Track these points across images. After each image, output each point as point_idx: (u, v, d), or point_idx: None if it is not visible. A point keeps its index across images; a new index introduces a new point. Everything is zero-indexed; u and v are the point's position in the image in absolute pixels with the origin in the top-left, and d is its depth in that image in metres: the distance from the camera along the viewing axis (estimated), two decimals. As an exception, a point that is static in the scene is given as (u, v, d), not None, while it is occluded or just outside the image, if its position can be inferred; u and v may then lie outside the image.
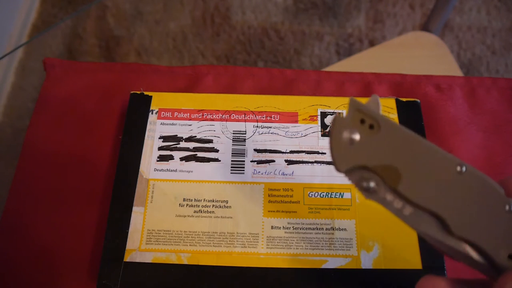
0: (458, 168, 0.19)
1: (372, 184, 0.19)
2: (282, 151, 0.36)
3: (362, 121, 0.19)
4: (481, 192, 0.19)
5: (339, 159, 0.19)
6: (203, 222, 0.33)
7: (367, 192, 0.19)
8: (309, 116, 0.37)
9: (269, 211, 0.34)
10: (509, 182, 0.19)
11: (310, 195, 0.34)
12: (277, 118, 0.37)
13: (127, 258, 0.32)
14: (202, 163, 0.35)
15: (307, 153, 0.36)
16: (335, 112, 0.37)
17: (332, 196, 0.34)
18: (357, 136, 0.19)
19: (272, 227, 0.33)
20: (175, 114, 0.37)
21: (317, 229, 0.33)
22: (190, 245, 0.32)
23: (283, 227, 0.33)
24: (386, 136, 0.19)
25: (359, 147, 0.19)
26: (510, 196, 0.19)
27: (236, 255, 0.32)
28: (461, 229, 0.19)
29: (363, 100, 0.37)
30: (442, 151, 0.19)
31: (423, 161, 0.19)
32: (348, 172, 0.19)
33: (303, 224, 0.33)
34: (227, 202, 0.34)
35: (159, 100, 0.38)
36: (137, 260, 0.32)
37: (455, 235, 0.19)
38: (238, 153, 0.36)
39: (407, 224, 0.19)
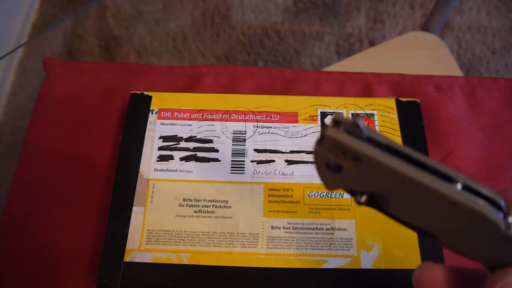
0: (452, 200, 0.17)
1: (363, 199, 0.19)
2: (282, 151, 0.36)
3: (344, 153, 0.18)
4: (476, 222, 0.17)
5: (328, 183, 0.19)
6: (203, 222, 0.33)
7: (361, 204, 0.19)
8: (309, 116, 0.37)
9: (269, 211, 0.34)
10: (505, 195, 0.19)
11: (310, 195, 0.34)
12: (277, 118, 0.37)
13: (127, 258, 0.32)
14: (202, 163, 0.35)
15: (307, 153, 0.36)
16: (335, 112, 0.37)
17: (332, 196, 0.34)
18: (339, 167, 0.19)
19: (272, 227, 0.33)
20: (175, 114, 0.37)
21: (317, 229, 0.33)
22: (190, 245, 0.32)
23: (283, 227, 0.33)
24: (370, 169, 0.18)
25: (343, 176, 0.19)
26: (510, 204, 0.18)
27: (236, 255, 0.32)
28: (456, 248, 0.19)
29: (361, 102, 0.37)
30: (433, 182, 0.17)
31: (411, 193, 0.18)
32: (339, 190, 0.20)
33: (303, 224, 0.33)
34: (227, 202, 0.34)
35: (159, 100, 0.38)
36: (137, 260, 0.32)
37: (448, 248, 0.19)
38: (238, 153, 0.36)
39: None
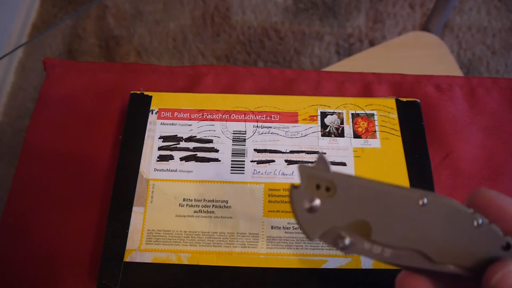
0: (420, 202, 0.19)
1: (347, 241, 0.19)
2: (282, 151, 0.36)
3: (318, 186, 0.19)
4: (448, 217, 0.19)
5: (308, 229, 0.19)
6: (203, 222, 0.33)
7: (346, 249, 0.19)
8: (309, 116, 0.37)
9: (269, 211, 0.34)
10: (475, 198, 0.20)
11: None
12: (277, 118, 0.37)
13: (127, 258, 0.32)
14: (202, 163, 0.35)
15: (307, 153, 0.36)
16: (335, 112, 0.37)
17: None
18: (317, 202, 0.19)
19: (272, 227, 0.33)
20: (175, 114, 0.37)
21: (317, 229, 0.33)
22: (190, 245, 0.32)
23: (283, 227, 0.33)
24: (344, 193, 0.19)
25: (323, 212, 0.19)
26: (478, 210, 0.19)
27: (236, 255, 0.32)
28: (441, 256, 0.19)
29: (361, 102, 0.37)
30: (401, 189, 0.19)
31: (386, 206, 0.19)
32: (321, 237, 0.19)
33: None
34: (227, 202, 0.34)
35: (159, 100, 0.38)
36: (137, 260, 0.32)
37: (437, 262, 0.19)
38: (238, 153, 0.36)
39: (390, 264, 0.20)
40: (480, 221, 0.19)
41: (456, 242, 0.19)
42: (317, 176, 0.19)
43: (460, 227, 0.19)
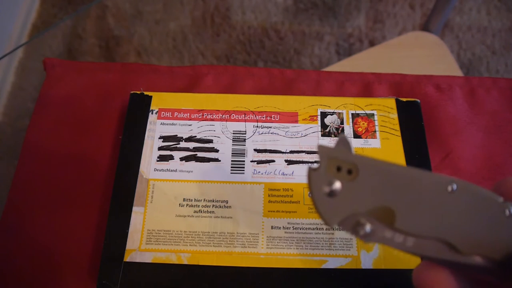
0: (449, 188, 0.18)
1: (368, 228, 0.18)
2: (282, 151, 0.36)
3: (339, 169, 0.18)
4: (477, 205, 0.18)
5: (327, 215, 0.18)
6: (203, 222, 0.33)
7: (366, 237, 0.18)
8: (309, 116, 0.37)
9: (269, 211, 0.34)
10: (505, 185, 0.19)
11: (310, 195, 0.34)
12: (277, 118, 0.37)
13: (127, 258, 0.32)
14: (202, 163, 0.35)
15: (307, 153, 0.36)
16: (335, 112, 0.37)
17: (332, 196, 0.34)
18: (338, 186, 0.18)
19: (272, 227, 0.33)
20: (175, 114, 0.37)
21: (317, 229, 0.33)
22: (190, 245, 0.32)
23: (283, 227, 0.33)
24: (367, 177, 0.18)
25: (343, 196, 0.18)
26: (508, 199, 0.18)
27: (236, 255, 0.32)
28: (469, 247, 0.18)
29: (361, 102, 0.37)
30: (428, 174, 0.18)
31: (412, 191, 0.18)
32: (340, 224, 0.18)
33: (303, 224, 0.33)
34: (227, 202, 0.34)
35: (159, 100, 0.38)
36: (137, 260, 0.32)
37: (464, 252, 0.18)
38: (238, 153, 0.36)
39: (412, 254, 0.19)
40: None
41: (485, 232, 0.18)
42: (339, 157, 0.18)
43: (491, 216, 0.18)
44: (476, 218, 0.18)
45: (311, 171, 0.18)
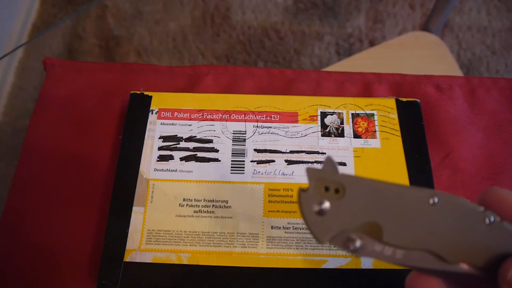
0: (431, 201, 0.19)
1: (358, 243, 0.19)
2: (282, 151, 0.36)
3: (327, 189, 0.19)
4: (459, 215, 0.19)
5: (318, 233, 0.19)
6: (203, 222, 0.33)
7: (356, 252, 0.19)
8: (309, 116, 0.37)
9: (269, 211, 0.34)
10: (487, 195, 0.20)
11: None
12: (277, 118, 0.37)
13: (127, 258, 0.32)
14: (202, 163, 0.35)
15: (307, 153, 0.36)
16: (335, 112, 0.37)
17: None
18: (327, 205, 0.19)
19: (272, 227, 0.33)
20: (175, 114, 0.37)
21: (317, 229, 0.33)
22: (190, 245, 0.32)
23: (283, 227, 0.33)
24: (354, 195, 0.19)
25: (332, 214, 0.19)
26: (490, 208, 0.19)
27: (236, 255, 0.32)
28: (454, 256, 0.19)
29: (361, 102, 0.37)
30: (410, 188, 0.19)
31: (396, 206, 0.19)
32: (331, 241, 0.19)
33: (303, 224, 0.33)
34: (227, 202, 0.34)
35: (159, 100, 0.38)
36: (137, 260, 0.32)
37: (450, 261, 0.19)
38: (238, 153, 0.36)
39: (402, 266, 0.19)
40: (492, 218, 0.19)
41: (468, 241, 0.19)
42: (326, 178, 0.19)
43: (472, 226, 0.19)
44: (458, 228, 0.19)
45: (300, 193, 0.19)
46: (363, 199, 0.19)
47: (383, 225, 0.19)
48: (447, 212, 0.19)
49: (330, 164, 0.19)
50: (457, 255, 0.19)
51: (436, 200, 0.19)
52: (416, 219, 0.19)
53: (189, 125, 0.37)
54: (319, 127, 0.37)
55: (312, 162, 0.35)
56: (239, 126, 0.37)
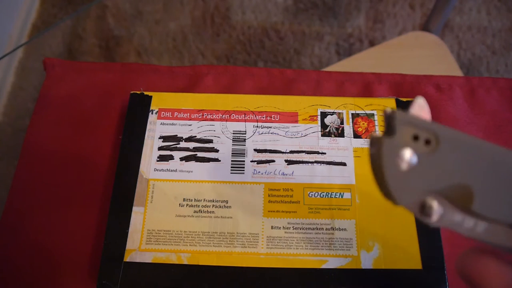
0: None
1: (437, 210, 0.16)
2: (282, 151, 0.36)
3: (415, 138, 0.16)
4: None
5: (399, 192, 0.15)
6: (203, 222, 0.33)
7: (434, 221, 0.16)
8: (309, 116, 0.37)
9: (269, 211, 0.34)
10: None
11: (310, 195, 0.34)
12: (277, 118, 0.37)
13: (127, 258, 0.32)
14: (202, 163, 0.35)
15: (307, 153, 0.36)
16: (335, 112, 0.37)
17: (332, 196, 0.34)
18: (414, 158, 0.16)
19: (272, 227, 0.33)
20: (175, 114, 0.37)
21: (317, 229, 0.33)
22: (190, 245, 0.32)
23: (283, 227, 0.33)
24: (448, 150, 0.16)
25: (418, 170, 0.16)
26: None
27: (236, 255, 0.32)
28: None
29: (361, 102, 0.37)
30: None
31: (495, 171, 0.16)
32: (409, 204, 0.16)
33: (303, 224, 0.33)
34: (227, 202, 0.34)
35: (159, 100, 0.38)
36: (137, 260, 0.32)
37: None
38: (238, 153, 0.36)
39: (480, 240, 0.17)
40: None
41: None
42: (418, 124, 0.16)
43: None
44: None
45: (383, 139, 0.16)
46: (458, 157, 0.16)
47: (476, 190, 0.16)
48: None
49: (421, 106, 0.16)
50: None
51: None
52: None
53: (189, 125, 0.37)
54: (319, 127, 0.37)
55: (312, 162, 0.35)
56: (239, 126, 0.37)
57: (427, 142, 0.16)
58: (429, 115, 0.16)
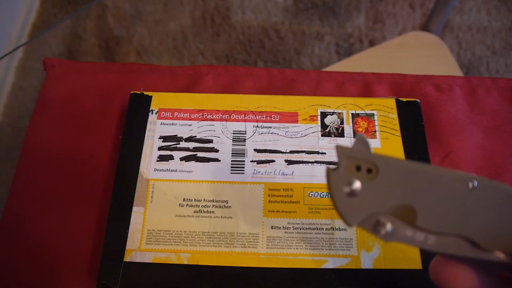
0: (470, 185, 0.18)
1: (389, 227, 0.18)
2: (282, 151, 0.36)
3: (358, 168, 0.18)
4: (499, 200, 0.18)
5: (348, 215, 0.18)
6: (203, 222, 0.33)
7: (387, 237, 0.18)
8: (309, 116, 0.37)
9: (269, 211, 0.34)
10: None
11: (310, 195, 0.34)
12: (277, 118, 0.37)
13: (127, 258, 0.32)
14: (202, 163, 0.35)
15: (307, 153, 0.36)
16: (335, 112, 0.37)
17: (332, 196, 0.34)
18: (357, 186, 0.18)
19: (272, 227, 0.33)
20: (175, 114, 0.37)
21: (317, 229, 0.33)
22: (190, 245, 0.32)
23: (283, 227, 0.33)
24: (388, 176, 0.18)
25: (363, 195, 0.18)
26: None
27: (236, 255, 0.32)
28: (490, 243, 0.18)
29: (361, 102, 0.37)
30: (449, 171, 0.18)
31: (433, 189, 0.18)
32: (360, 224, 0.18)
33: (303, 224, 0.33)
34: (227, 202, 0.34)
35: (159, 100, 0.38)
36: (137, 260, 0.32)
37: (485, 249, 0.18)
38: (238, 153, 0.36)
39: (433, 251, 0.18)
40: None
41: (507, 228, 0.18)
42: (358, 156, 0.18)
43: (510, 212, 0.18)
44: (497, 214, 0.18)
45: (330, 171, 0.18)
46: (397, 181, 0.18)
47: (418, 208, 0.18)
48: (486, 197, 0.18)
49: (362, 142, 0.18)
50: (494, 243, 0.18)
51: (475, 184, 0.18)
52: (453, 203, 0.18)
53: (189, 125, 0.37)
54: (319, 127, 0.37)
55: (312, 162, 0.35)
56: (239, 126, 0.37)
57: (369, 171, 0.18)
58: (370, 148, 0.18)
